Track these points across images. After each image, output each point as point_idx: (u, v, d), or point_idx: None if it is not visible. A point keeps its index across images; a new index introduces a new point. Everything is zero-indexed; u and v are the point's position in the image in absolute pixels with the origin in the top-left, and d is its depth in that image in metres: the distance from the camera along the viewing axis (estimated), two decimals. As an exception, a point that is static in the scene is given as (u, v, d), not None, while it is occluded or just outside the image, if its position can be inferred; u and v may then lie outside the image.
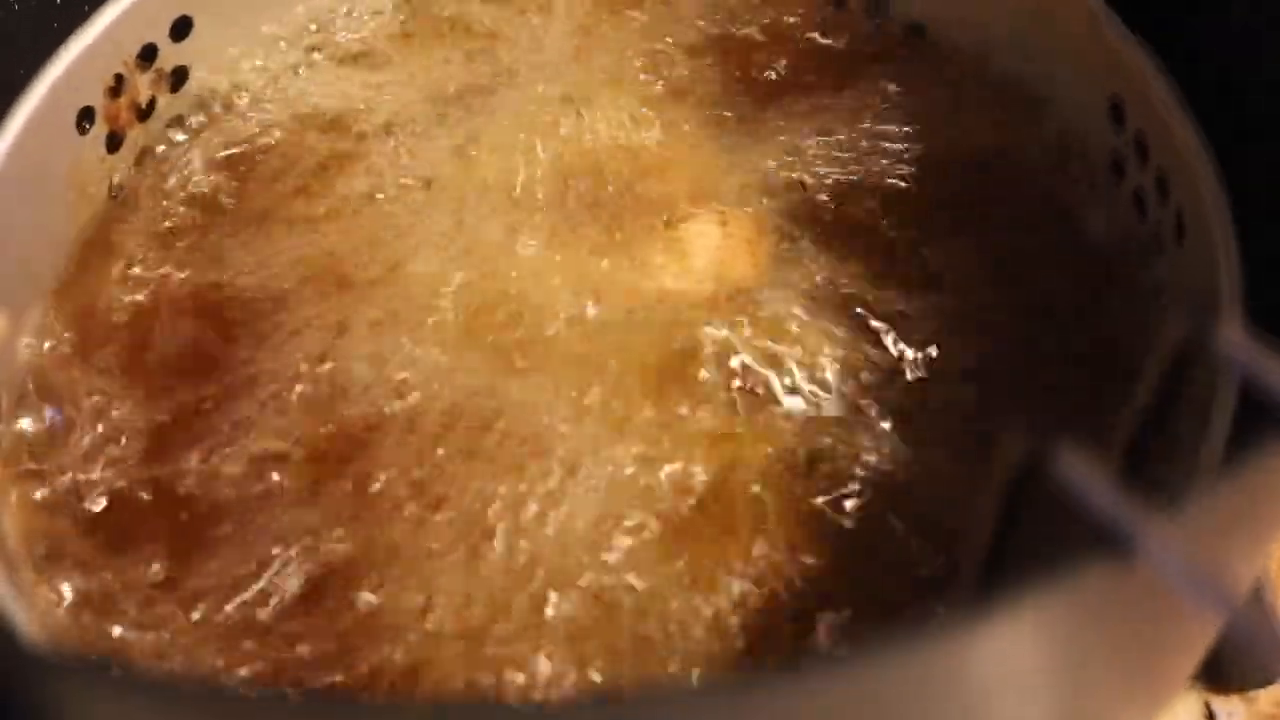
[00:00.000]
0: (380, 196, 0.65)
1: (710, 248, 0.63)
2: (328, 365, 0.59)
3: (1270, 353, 0.35)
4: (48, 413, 0.58)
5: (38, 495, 0.56)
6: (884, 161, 0.66)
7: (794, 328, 0.59)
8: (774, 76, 0.70)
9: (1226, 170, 0.57)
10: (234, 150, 0.68)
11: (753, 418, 0.57)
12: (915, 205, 0.64)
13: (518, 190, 0.65)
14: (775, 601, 0.53)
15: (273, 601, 0.53)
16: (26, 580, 0.53)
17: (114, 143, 0.66)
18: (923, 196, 0.65)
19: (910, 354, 0.59)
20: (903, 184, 0.65)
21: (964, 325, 0.60)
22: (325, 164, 0.67)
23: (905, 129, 0.67)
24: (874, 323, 0.60)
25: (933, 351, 0.59)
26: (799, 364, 0.58)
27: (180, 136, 0.68)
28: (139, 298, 0.62)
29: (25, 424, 0.58)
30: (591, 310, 0.61)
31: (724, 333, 0.59)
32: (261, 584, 0.53)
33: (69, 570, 0.54)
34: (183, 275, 0.63)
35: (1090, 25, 0.63)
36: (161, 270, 0.63)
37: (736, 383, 0.58)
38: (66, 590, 0.54)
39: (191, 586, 0.54)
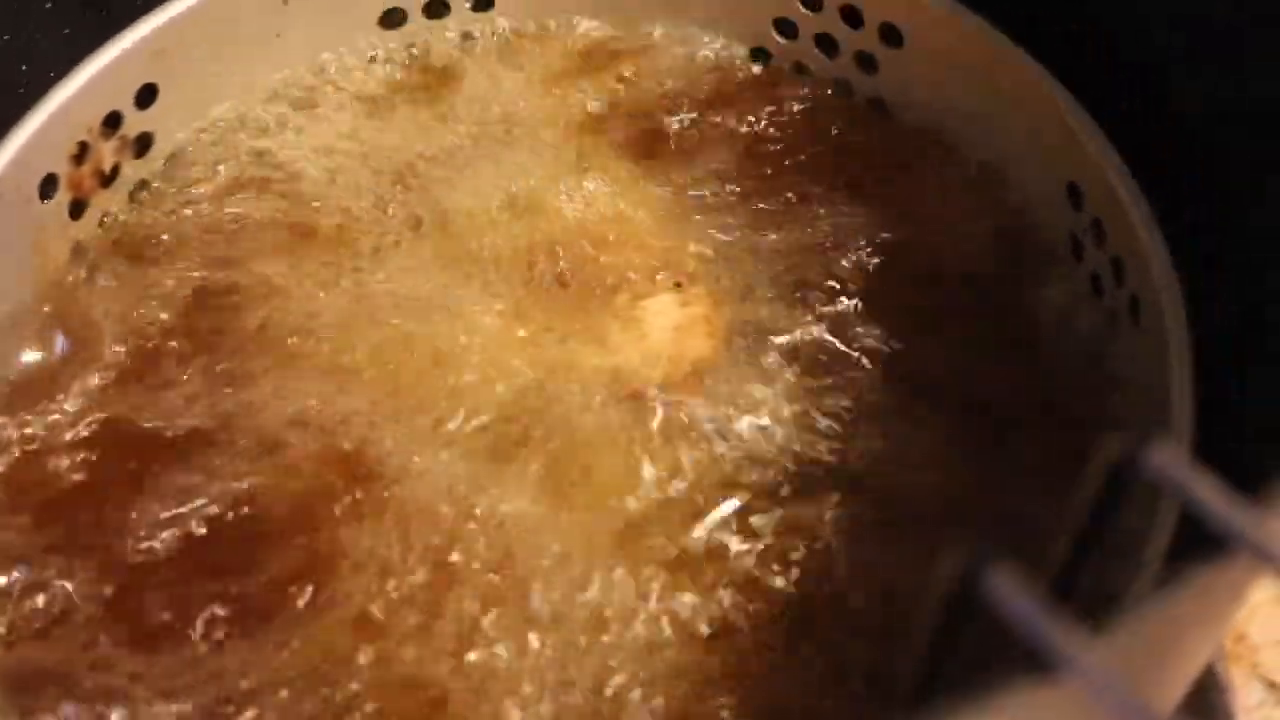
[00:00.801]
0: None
1: (668, 325, 0.63)
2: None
3: (1201, 474, 0.36)
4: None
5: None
6: (838, 237, 0.66)
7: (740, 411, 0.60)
8: (728, 151, 0.70)
9: (1180, 257, 0.58)
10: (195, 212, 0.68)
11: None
12: (872, 285, 0.64)
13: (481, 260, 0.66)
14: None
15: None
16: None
17: (77, 209, 0.66)
18: (882, 276, 0.65)
19: (855, 445, 0.59)
20: (862, 259, 0.65)
21: (915, 424, 0.60)
22: (287, 229, 0.67)
23: (862, 206, 0.67)
24: (820, 420, 0.60)
25: (877, 446, 0.59)
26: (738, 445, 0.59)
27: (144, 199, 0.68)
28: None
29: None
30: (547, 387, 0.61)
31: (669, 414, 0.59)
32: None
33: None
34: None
35: (1051, 110, 0.64)
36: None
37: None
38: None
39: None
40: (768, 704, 0.53)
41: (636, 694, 0.53)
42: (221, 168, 0.69)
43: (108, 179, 0.67)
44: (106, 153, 0.67)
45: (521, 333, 0.63)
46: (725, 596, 0.55)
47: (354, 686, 0.53)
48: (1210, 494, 0.35)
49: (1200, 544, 0.36)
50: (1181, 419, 0.55)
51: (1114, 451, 0.36)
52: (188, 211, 0.68)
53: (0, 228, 0.62)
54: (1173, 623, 0.37)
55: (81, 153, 0.65)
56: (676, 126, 0.71)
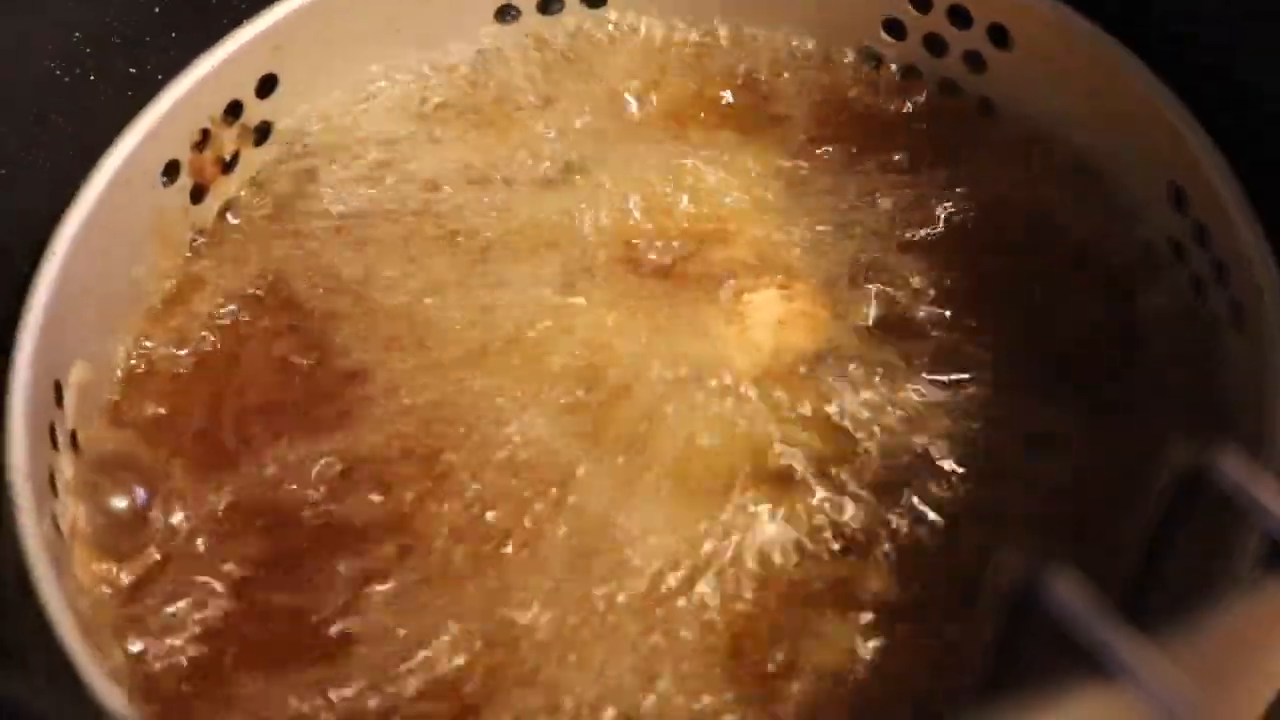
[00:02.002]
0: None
1: (770, 320, 0.63)
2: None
3: (1271, 486, 0.36)
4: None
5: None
6: (944, 234, 0.67)
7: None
8: (840, 148, 0.71)
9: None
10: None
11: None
12: (972, 285, 0.65)
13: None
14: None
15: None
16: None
17: (198, 194, 0.68)
18: (981, 276, 0.65)
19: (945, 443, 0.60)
20: (962, 258, 0.66)
21: (1005, 420, 0.60)
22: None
23: (969, 203, 0.68)
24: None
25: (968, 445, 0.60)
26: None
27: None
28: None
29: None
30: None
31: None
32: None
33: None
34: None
35: (1155, 111, 0.63)
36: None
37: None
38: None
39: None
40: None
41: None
42: (336, 162, 0.71)
43: (228, 165, 0.69)
44: (227, 140, 0.69)
45: (622, 320, 0.64)
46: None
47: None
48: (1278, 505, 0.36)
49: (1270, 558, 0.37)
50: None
51: (1185, 462, 0.37)
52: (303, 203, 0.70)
53: (124, 210, 0.64)
54: (1246, 636, 0.37)
55: (203, 139, 0.67)
56: (784, 125, 0.72)
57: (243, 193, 0.70)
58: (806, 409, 0.61)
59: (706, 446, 0.60)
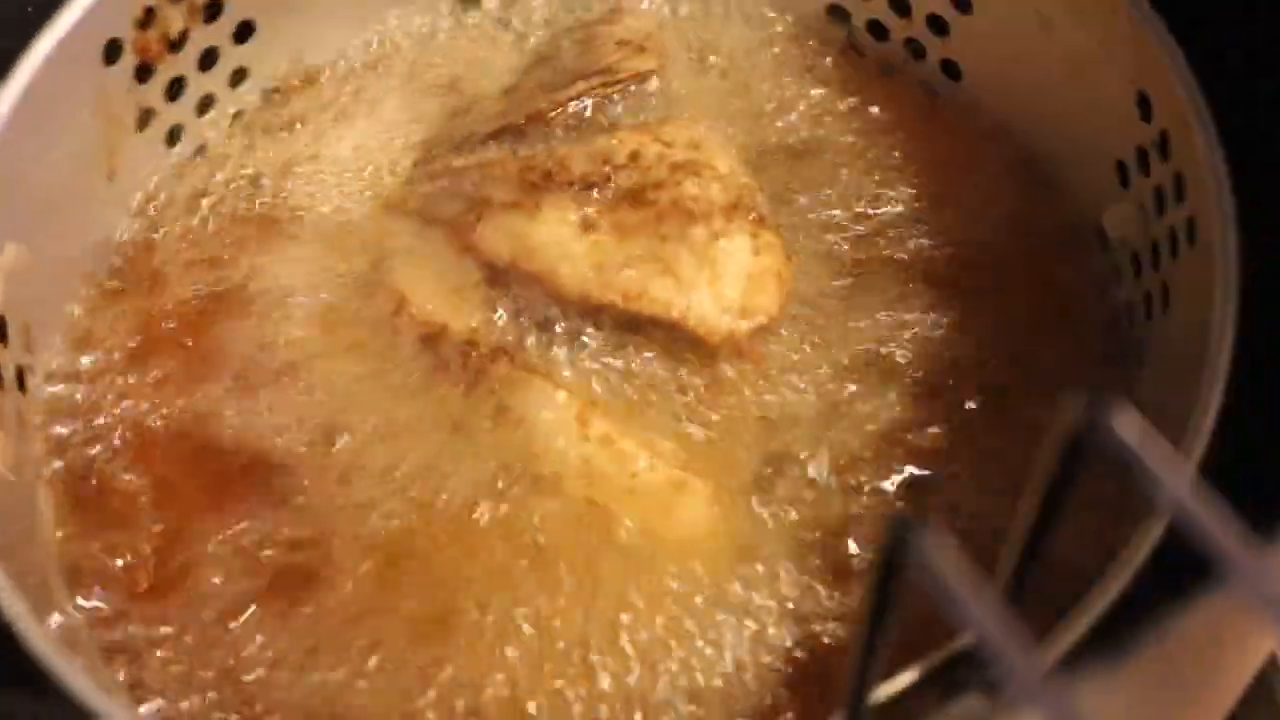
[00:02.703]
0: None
1: (740, 272, 0.61)
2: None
3: (1159, 444, 0.34)
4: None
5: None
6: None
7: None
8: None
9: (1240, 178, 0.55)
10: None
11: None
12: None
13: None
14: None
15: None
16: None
17: (143, 74, 0.66)
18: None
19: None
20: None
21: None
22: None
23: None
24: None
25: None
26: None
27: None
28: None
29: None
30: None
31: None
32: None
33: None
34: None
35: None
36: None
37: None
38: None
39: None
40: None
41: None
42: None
43: (175, 44, 0.67)
44: (174, 17, 0.67)
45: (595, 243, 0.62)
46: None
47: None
48: (1161, 464, 0.34)
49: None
50: (1221, 347, 0.53)
51: (1075, 419, 0.35)
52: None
53: (65, 90, 0.62)
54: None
55: (147, 17, 0.66)
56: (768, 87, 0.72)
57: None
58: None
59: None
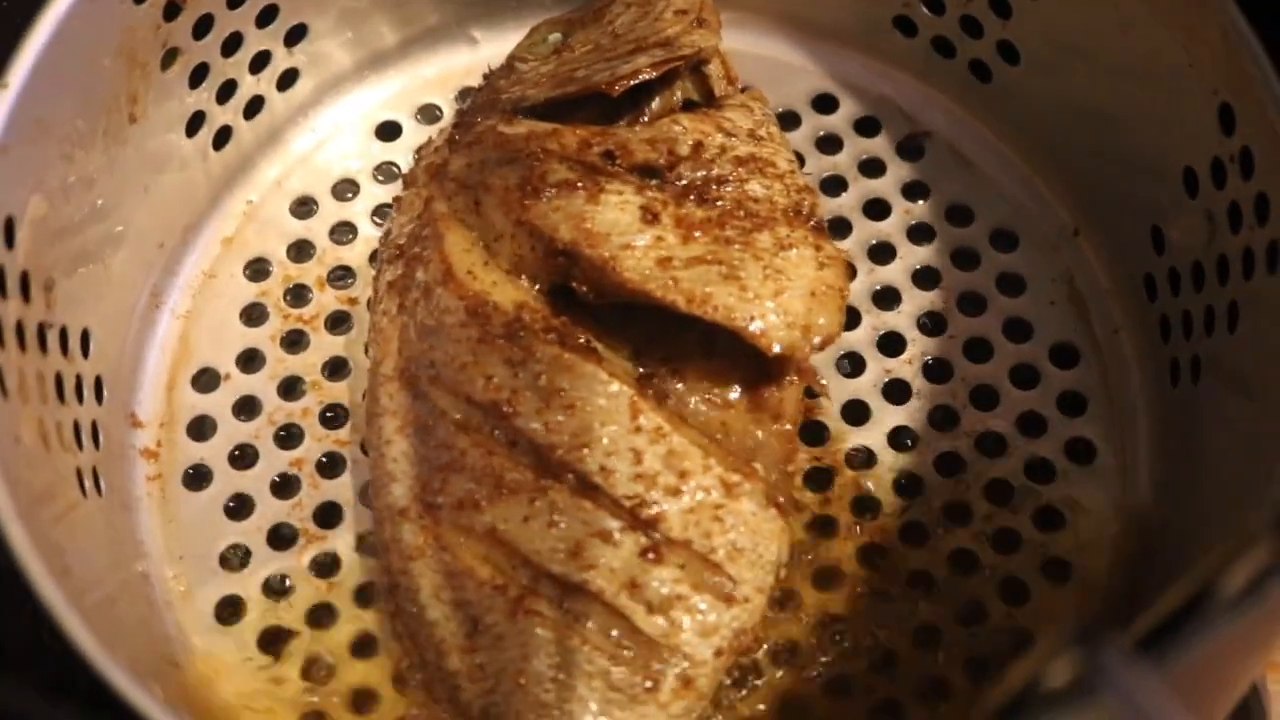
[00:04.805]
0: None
1: (804, 288, 0.59)
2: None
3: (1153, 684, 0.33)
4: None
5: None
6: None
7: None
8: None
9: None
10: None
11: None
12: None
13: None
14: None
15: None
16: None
17: (171, 12, 0.63)
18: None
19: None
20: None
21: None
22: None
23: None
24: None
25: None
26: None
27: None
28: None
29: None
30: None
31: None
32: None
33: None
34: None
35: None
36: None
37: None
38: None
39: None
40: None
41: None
42: None
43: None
44: (206, -47, 0.63)
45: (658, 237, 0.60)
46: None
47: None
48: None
49: None
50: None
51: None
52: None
53: (90, 30, 0.59)
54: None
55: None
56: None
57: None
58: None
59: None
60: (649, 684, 0.55)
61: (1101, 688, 0.31)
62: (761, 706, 0.58)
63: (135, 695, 0.47)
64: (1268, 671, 0.60)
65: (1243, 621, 0.32)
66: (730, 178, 0.61)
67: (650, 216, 0.59)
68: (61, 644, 0.47)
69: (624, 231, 0.59)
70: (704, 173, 0.61)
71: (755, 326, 0.57)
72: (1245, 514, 0.52)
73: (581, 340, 0.59)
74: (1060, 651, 0.32)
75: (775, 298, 0.58)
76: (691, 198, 0.60)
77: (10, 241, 0.55)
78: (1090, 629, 0.32)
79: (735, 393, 0.59)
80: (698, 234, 0.59)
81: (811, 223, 0.61)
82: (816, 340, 0.58)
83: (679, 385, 0.59)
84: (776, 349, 0.57)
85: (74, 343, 0.60)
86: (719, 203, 0.60)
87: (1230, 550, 0.35)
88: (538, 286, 0.60)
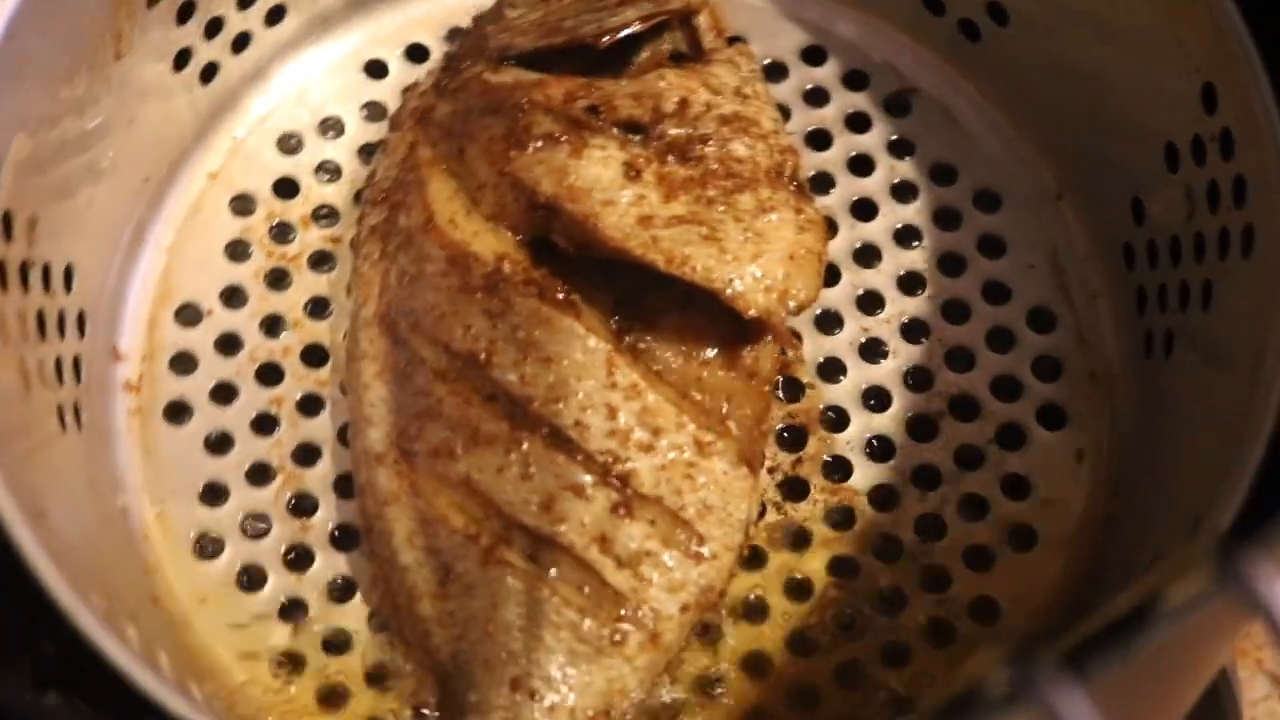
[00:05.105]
0: None
1: (784, 251, 0.60)
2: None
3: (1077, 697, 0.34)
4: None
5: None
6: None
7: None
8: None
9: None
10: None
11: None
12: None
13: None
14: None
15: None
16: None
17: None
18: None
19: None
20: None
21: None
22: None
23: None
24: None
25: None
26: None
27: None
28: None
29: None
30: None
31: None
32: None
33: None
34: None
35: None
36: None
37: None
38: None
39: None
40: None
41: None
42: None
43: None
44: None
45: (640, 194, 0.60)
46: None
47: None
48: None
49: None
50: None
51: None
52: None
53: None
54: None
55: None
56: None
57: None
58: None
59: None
60: (615, 637, 0.56)
61: (1028, 699, 0.32)
62: (724, 664, 0.59)
63: (105, 640, 0.47)
64: (1237, 658, 0.61)
65: (1175, 642, 0.33)
66: (714, 136, 0.61)
67: (633, 173, 0.59)
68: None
69: (606, 188, 0.59)
70: (688, 130, 0.61)
71: (733, 289, 0.58)
72: (1204, 489, 0.53)
73: (560, 294, 0.59)
74: (998, 660, 0.33)
75: (754, 260, 0.58)
76: (674, 156, 0.60)
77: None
78: (1025, 640, 0.33)
79: (711, 351, 0.60)
80: (680, 193, 0.59)
81: (793, 185, 0.61)
82: (793, 304, 0.59)
83: (656, 342, 0.60)
84: (753, 312, 0.58)
85: (57, 278, 0.60)
86: (702, 162, 0.60)
87: (1171, 569, 0.35)
88: (519, 238, 0.61)
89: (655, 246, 0.58)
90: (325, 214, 0.68)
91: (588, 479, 0.57)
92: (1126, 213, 0.64)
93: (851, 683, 0.59)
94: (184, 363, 0.65)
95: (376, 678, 0.58)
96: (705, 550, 0.57)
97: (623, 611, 0.56)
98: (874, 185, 0.69)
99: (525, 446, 0.57)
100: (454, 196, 0.62)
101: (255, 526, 0.62)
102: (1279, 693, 0.68)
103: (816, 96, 0.71)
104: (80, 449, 0.60)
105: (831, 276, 0.66)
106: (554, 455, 0.57)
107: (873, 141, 0.70)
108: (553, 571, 0.56)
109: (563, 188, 0.59)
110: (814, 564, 0.60)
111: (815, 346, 0.65)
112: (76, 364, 0.61)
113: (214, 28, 0.67)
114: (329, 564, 0.61)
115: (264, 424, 0.64)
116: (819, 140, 0.70)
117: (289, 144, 0.70)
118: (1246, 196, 0.56)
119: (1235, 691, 0.55)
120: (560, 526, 0.56)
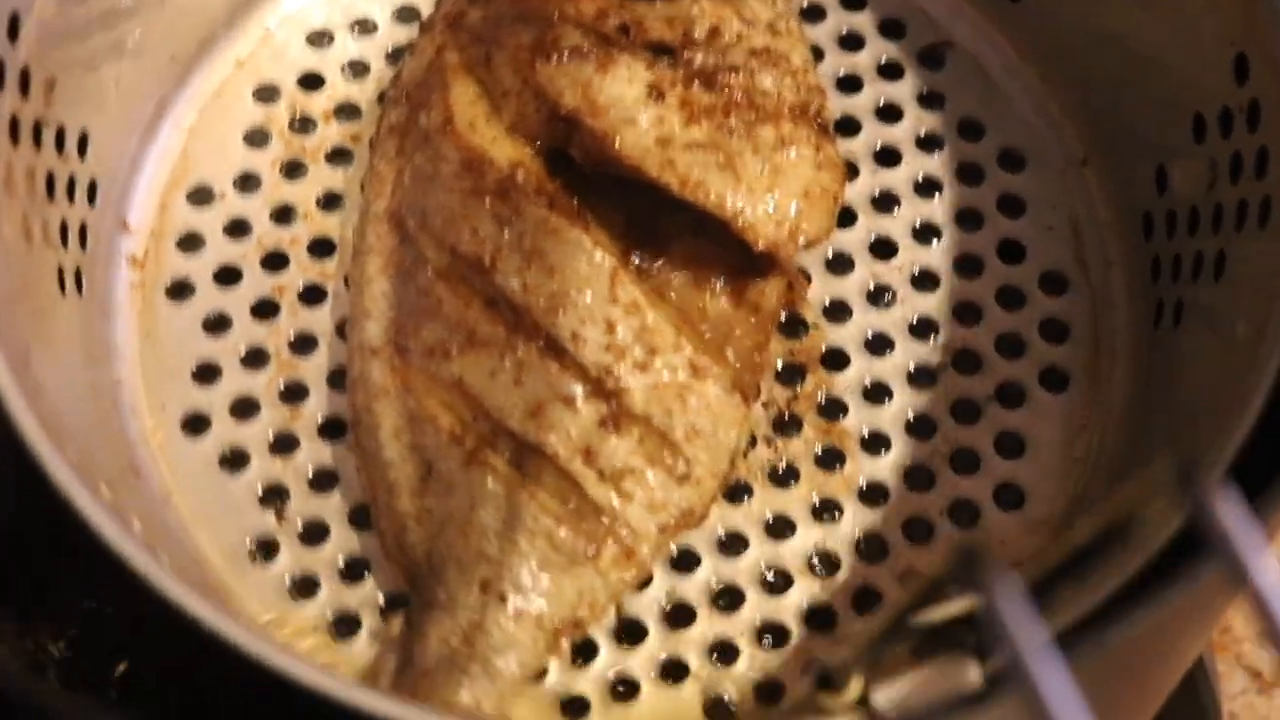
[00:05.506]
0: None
1: (799, 187, 0.59)
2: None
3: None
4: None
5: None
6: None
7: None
8: None
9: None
10: None
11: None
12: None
13: None
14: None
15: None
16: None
17: None
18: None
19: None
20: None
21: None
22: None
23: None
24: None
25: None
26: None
27: None
28: None
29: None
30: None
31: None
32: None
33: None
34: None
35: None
36: None
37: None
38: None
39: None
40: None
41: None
42: None
43: None
44: None
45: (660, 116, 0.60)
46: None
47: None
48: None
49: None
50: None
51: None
52: None
53: None
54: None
55: None
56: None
57: None
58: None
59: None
60: (590, 549, 0.55)
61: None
62: (693, 593, 0.58)
63: (76, 491, 0.47)
64: (1216, 652, 0.61)
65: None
66: (742, 67, 0.61)
67: (656, 95, 0.59)
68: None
69: (628, 106, 0.59)
70: (717, 59, 0.61)
71: (745, 219, 0.58)
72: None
73: (572, 207, 0.59)
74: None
75: (768, 193, 0.58)
76: (700, 82, 0.60)
77: (14, 35, 0.55)
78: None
79: (718, 279, 0.59)
80: (702, 119, 0.59)
81: (817, 123, 0.61)
82: (803, 240, 0.58)
83: (663, 264, 0.59)
84: (762, 244, 0.58)
85: (71, 143, 0.60)
86: (727, 91, 0.60)
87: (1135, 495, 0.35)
88: (536, 148, 0.60)
89: (671, 168, 0.57)
90: (348, 111, 0.68)
91: (579, 390, 0.57)
92: (1150, 182, 0.63)
93: (820, 626, 0.58)
94: (191, 243, 0.65)
95: (349, 571, 0.58)
96: (690, 473, 0.57)
97: (600, 525, 0.56)
98: (900, 134, 0.68)
99: (520, 353, 0.57)
100: (476, 101, 0.62)
101: (245, 410, 0.61)
102: (1257, 687, 0.67)
103: (852, 42, 0.70)
104: (78, 316, 0.60)
105: (848, 219, 0.65)
106: (548, 364, 0.57)
107: (903, 91, 0.69)
108: (535, 479, 0.56)
109: (585, 101, 0.59)
110: (796, 503, 0.60)
111: (823, 287, 0.64)
112: (83, 231, 0.61)
113: (254, -87, 0.67)
114: (313, 454, 0.60)
115: (264, 309, 0.63)
116: (850, 85, 0.69)
117: (320, 40, 0.70)
118: (1268, 169, 0.56)
119: (1214, 686, 0.54)
120: (547, 435, 0.56)
